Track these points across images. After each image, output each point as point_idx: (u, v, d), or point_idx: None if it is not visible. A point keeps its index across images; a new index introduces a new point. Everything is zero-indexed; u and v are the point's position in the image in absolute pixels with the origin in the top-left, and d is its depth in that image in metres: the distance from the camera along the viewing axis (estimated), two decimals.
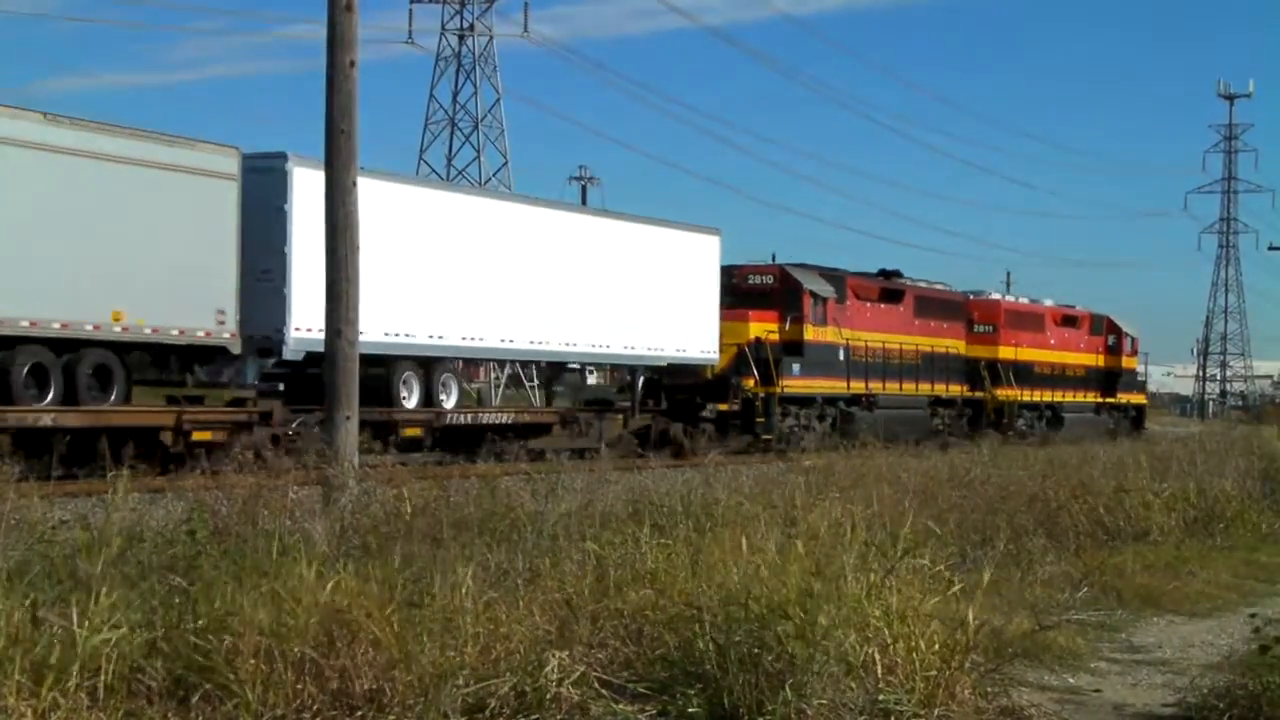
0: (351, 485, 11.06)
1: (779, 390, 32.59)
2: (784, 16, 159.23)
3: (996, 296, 45.80)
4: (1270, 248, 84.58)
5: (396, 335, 24.38)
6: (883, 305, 37.76)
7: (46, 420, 19.30)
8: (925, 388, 38.60)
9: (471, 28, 73.27)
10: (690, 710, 7.30)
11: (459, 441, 25.57)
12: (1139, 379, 56.49)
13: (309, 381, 22.07)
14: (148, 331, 20.81)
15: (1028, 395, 43.85)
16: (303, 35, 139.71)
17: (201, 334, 21.53)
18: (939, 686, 7.73)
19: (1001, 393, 42.31)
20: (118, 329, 20.36)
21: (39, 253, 19.33)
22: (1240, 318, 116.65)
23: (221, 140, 22.17)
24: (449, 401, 26.23)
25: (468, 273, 25.93)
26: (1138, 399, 53.50)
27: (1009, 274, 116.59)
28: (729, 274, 33.83)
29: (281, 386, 24.27)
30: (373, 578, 7.70)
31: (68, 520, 9.08)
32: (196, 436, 20.80)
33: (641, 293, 29.81)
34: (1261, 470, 20.64)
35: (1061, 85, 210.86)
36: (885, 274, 39.56)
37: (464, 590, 7.67)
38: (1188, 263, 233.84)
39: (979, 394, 41.50)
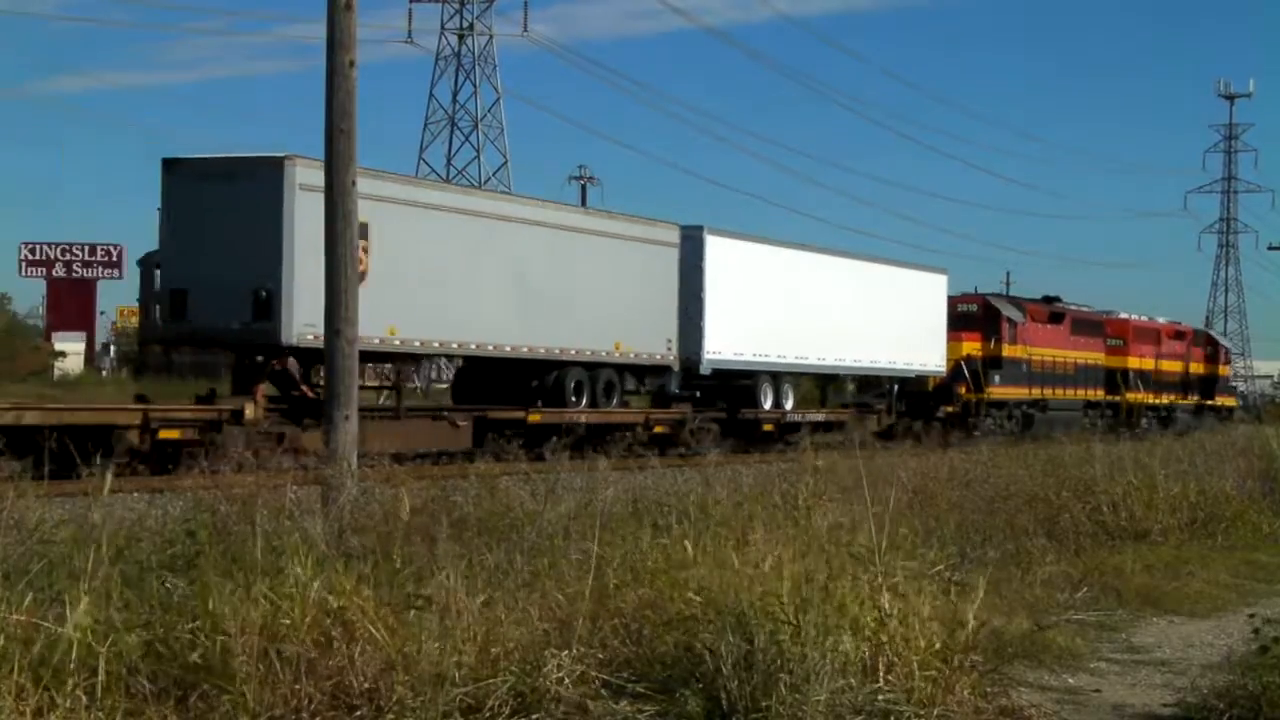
0: (350, 485, 11.04)
1: (986, 396, 41.40)
2: (784, 17, 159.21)
3: (1125, 315, 53.51)
4: (1270, 248, 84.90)
5: (759, 356, 33.08)
6: (1050, 326, 45.99)
7: (581, 419, 27.05)
8: (1080, 393, 47.07)
9: (471, 27, 73.38)
10: (689, 710, 7.29)
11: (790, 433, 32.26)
12: (1230, 384, 66.05)
13: (712, 390, 32.81)
14: (632, 356, 29.95)
15: (1150, 399, 52.24)
16: (303, 35, 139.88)
17: (659, 357, 30.52)
18: (938, 686, 7.73)
19: (1130, 396, 50.33)
20: (618, 355, 29.48)
21: (579, 307, 28.08)
22: (1240, 318, 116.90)
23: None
24: (788, 404, 34.84)
25: (796, 307, 34.12)
26: (1230, 401, 63.28)
27: (1008, 274, 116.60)
28: None
29: (698, 394, 33.13)
30: (370, 577, 7.69)
31: (67, 520, 9.07)
32: (657, 429, 29.27)
33: (897, 320, 37.92)
34: (1261, 470, 20.62)
35: (1061, 85, 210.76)
36: (1048, 299, 47.84)
37: (462, 590, 7.66)
38: (1188, 263, 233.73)
39: (1115, 398, 49.48)
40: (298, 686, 6.83)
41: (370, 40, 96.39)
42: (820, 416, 35.56)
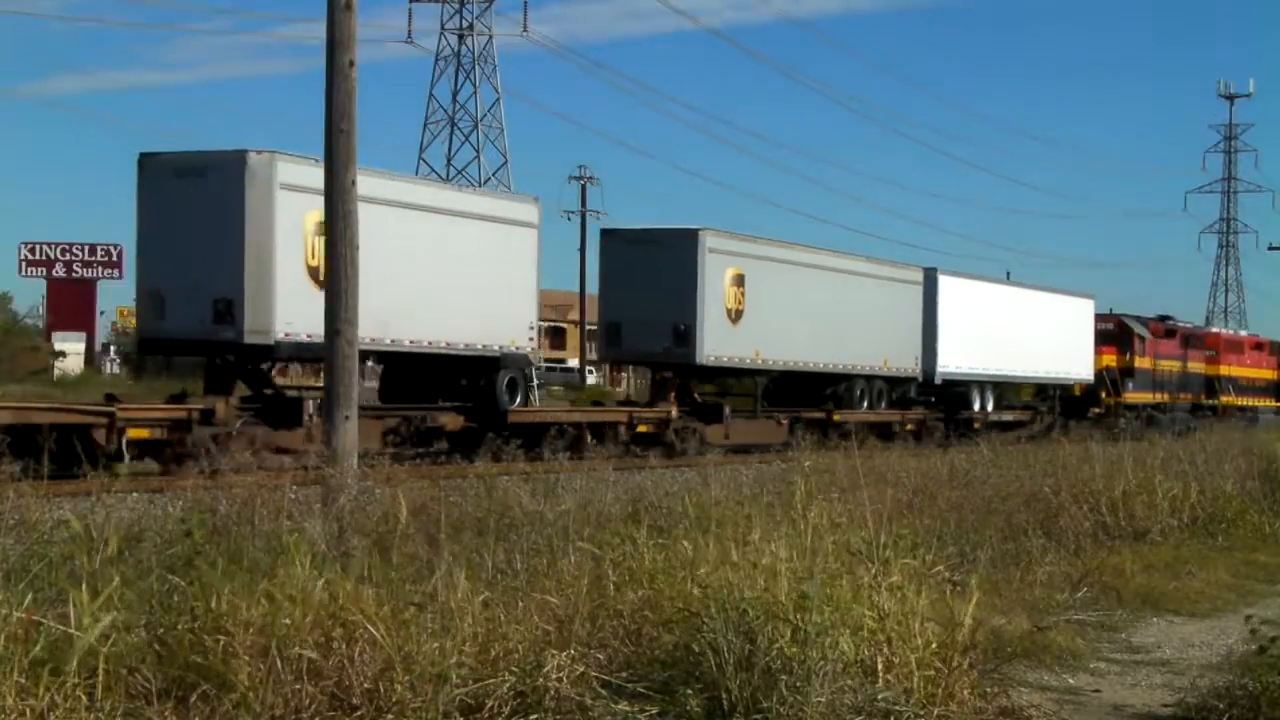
0: (350, 485, 11.04)
1: (1123, 400, 49.92)
2: (784, 17, 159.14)
3: (1217, 330, 64.59)
4: (1270, 248, 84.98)
5: (971, 368, 41.62)
6: (1165, 340, 54.07)
7: (868, 418, 35.59)
8: (1188, 397, 55.65)
9: (471, 27, 73.38)
10: (689, 710, 7.29)
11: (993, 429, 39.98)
12: None
13: (943, 397, 41.20)
14: (893, 369, 38.36)
15: (1238, 401, 61.04)
16: (303, 35, 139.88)
17: (908, 370, 38.95)
18: (938, 686, 7.73)
19: (1225, 400, 59.17)
20: (884, 369, 38.00)
21: (862, 332, 36.30)
22: (1240, 318, 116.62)
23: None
24: (989, 407, 43.28)
25: (994, 328, 42.27)
26: None
27: (1009, 274, 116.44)
28: None
29: (933, 399, 41.59)
30: (370, 577, 7.69)
31: (67, 520, 9.07)
32: (908, 427, 37.58)
33: (1059, 337, 46.18)
34: (1261, 471, 20.61)
35: (1061, 85, 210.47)
36: (1162, 318, 56.03)
37: (461, 590, 7.66)
38: (1188, 263, 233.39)
39: (1212, 401, 58.04)
40: (298, 687, 6.84)
41: (370, 40, 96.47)
42: (1010, 417, 44.38)
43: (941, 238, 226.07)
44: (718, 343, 31.80)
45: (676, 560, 8.80)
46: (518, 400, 28.34)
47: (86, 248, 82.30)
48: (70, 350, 73.15)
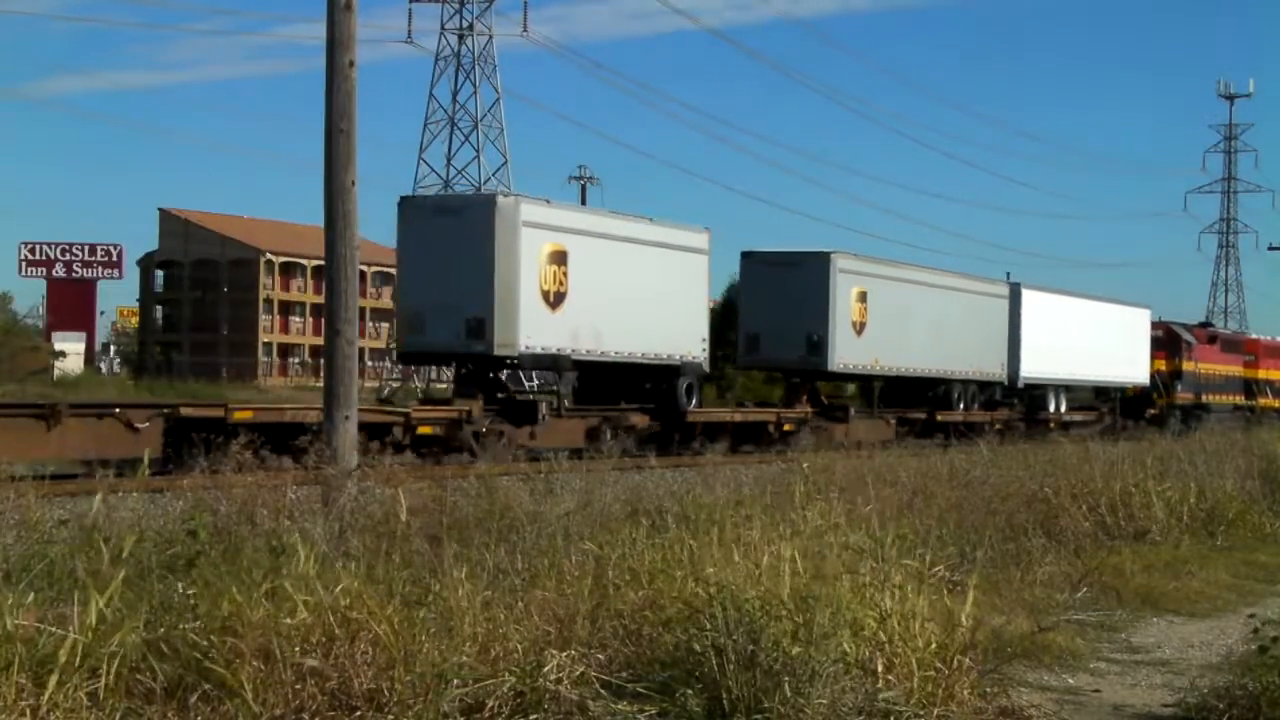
0: (350, 485, 11.03)
1: (1173, 401, 54.22)
2: (784, 17, 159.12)
3: (1255, 336, 68.76)
4: (1270, 248, 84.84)
5: (1049, 373, 45.63)
6: (1207, 345, 58.75)
7: (960, 419, 39.80)
8: (1228, 398, 60.35)
9: (470, 27, 73.35)
10: (689, 710, 7.28)
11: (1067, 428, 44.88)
12: None
13: (1023, 399, 45.08)
14: (983, 374, 42.24)
15: (1275, 403, 65.66)
16: (303, 35, 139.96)
17: (996, 374, 42.91)
18: (938, 686, 7.73)
19: (1262, 401, 63.68)
20: (975, 374, 41.68)
21: (959, 341, 40.41)
22: (1240, 318, 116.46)
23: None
24: (1062, 407, 47.77)
25: (1067, 336, 46.43)
26: None
27: (1008, 274, 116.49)
28: None
29: (1016, 401, 45.57)
30: (371, 577, 7.69)
31: (67, 520, 9.07)
32: (996, 426, 40.70)
33: (1119, 345, 50.54)
34: (1262, 471, 20.60)
35: (1062, 85, 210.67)
36: (1203, 325, 62.26)
37: (461, 590, 7.66)
38: (1188, 263, 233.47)
39: (1250, 402, 62.42)
40: (299, 687, 6.83)
41: (370, 40, 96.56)
42: (1079, 417, 48.64)
43: (942, 238, 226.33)
44: (845, 352, 36.17)
45: (675, 560, 8.80)
46: (693, 402, 32.38)
47: (86, 248, 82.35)
48: (70, 350, 73.22)
